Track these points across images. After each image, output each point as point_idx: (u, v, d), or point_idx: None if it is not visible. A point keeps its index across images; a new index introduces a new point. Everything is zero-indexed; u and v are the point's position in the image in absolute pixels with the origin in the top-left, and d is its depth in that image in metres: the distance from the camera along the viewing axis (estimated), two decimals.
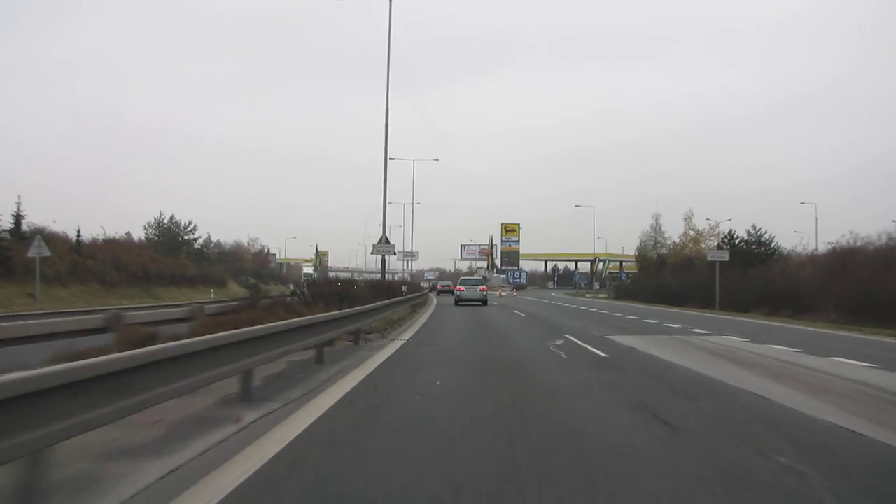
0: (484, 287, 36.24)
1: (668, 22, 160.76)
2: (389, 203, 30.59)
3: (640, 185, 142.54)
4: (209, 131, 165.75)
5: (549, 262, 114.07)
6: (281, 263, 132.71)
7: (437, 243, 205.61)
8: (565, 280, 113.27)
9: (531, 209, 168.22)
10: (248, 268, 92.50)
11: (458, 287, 36.61)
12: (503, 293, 61.33)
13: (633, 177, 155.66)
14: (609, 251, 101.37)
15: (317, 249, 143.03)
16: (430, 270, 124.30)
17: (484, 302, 33.76)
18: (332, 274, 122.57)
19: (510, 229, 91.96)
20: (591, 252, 76.37)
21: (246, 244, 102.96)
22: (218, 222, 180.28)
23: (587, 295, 70.45)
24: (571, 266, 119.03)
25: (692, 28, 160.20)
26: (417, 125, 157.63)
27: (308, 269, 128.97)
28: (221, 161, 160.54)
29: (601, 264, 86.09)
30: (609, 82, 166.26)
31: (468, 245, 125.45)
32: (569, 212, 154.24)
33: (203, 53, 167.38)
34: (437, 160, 55.12)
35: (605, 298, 59.14)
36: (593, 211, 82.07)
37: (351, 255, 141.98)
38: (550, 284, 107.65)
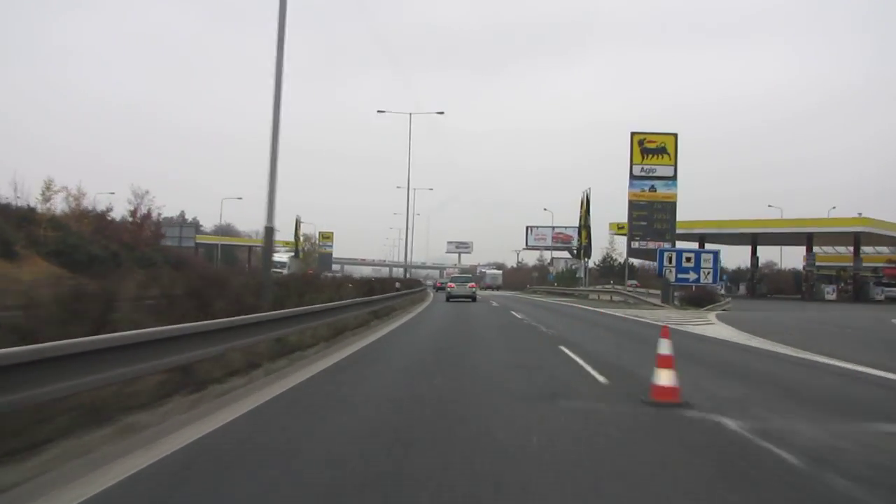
0: (473, 284, 37.65)
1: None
2: None
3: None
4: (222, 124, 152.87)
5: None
6: (214, 244, 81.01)
7: (501, 238, 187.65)
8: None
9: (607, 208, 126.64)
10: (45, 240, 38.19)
11: (450, 284, 38.36)
12: None
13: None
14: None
15: (297, 224, 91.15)
16: (488, 265, 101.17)
17: (473, 298, 34.46)
18: (337, 267, 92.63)
19: (653, 147, 36.20)
20: None
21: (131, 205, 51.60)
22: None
23: None
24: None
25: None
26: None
27: (282, 257, 76.52)
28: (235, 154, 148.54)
29: None
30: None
31: (537, 228, 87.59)
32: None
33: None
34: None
35: None
36: None
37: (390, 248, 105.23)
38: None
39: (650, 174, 36.29)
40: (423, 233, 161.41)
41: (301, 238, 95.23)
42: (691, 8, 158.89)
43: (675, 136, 36.42)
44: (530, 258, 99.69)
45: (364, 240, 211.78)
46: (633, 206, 36.50)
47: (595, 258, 77.47)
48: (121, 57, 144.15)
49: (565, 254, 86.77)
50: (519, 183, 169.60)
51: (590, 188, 55.75)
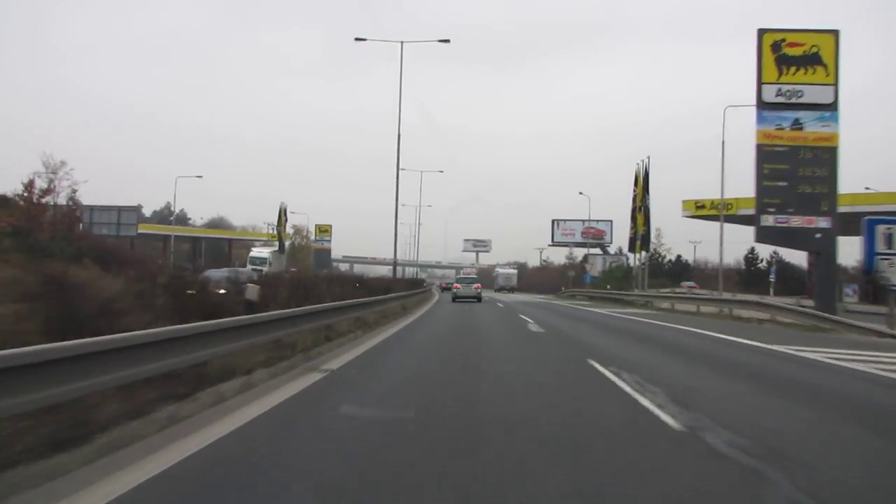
0: (478, 285, 38.88)
1: None
2: None
3: None
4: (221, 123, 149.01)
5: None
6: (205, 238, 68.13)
7: (523, 236, 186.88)
8: None
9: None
10: None
11: (455, 285, 39.91)
12: None
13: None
14: None
15: (281, 212, 77.01)
16: (506, 264, 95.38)
17: (478, 299, 35.98)
18: (339, 265, 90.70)
19: (799, 55, 21.40)
20: None
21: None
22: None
23: None
24: None
25: None
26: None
27: (262, 252, 64.26)
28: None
29: None
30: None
31: (564, 222, 79.62)
32: None
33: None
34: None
35: None
36: None
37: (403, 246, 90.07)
38: None
39: (793, 100, 21.25)
40: (440, 233, 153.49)
41: (290, 231, 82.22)
42: (713, 5, 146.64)
43: (836, 34, 21.39)
44: (557, 256, 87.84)
45: (382, 240, 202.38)
46: (762, 154, 21.34)
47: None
48: (119, 58, 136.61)
49: (597, 250, 73.93)
50: (541, 184, 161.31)
51: (648, 157, 40.99)
